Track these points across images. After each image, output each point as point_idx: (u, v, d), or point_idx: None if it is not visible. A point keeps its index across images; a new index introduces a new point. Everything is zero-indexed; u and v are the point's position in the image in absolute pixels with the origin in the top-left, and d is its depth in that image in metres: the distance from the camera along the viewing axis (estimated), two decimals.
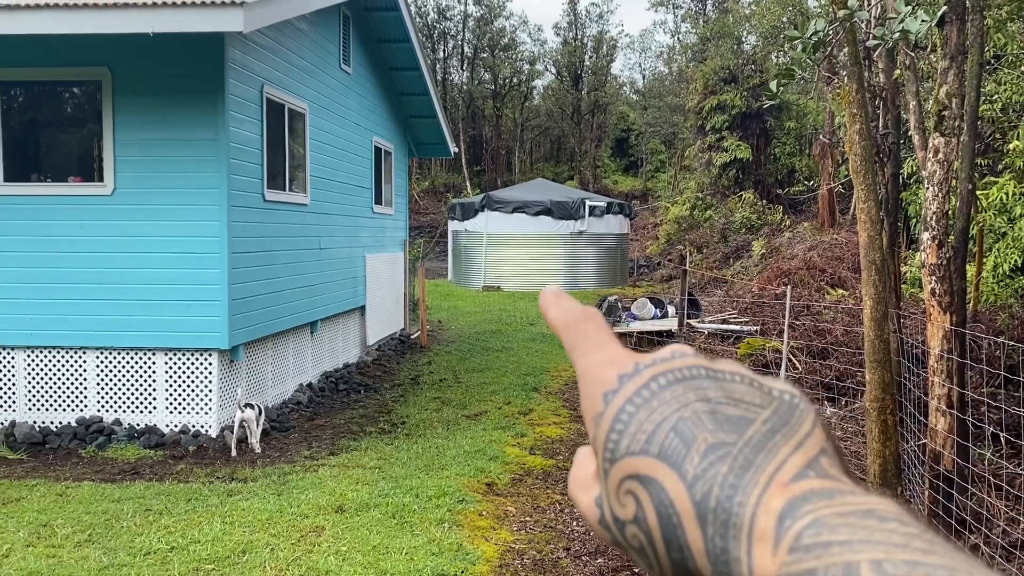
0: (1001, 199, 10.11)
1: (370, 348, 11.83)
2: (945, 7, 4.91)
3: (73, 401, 7.40)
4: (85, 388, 7.39)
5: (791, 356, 9.22)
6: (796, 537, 0.34)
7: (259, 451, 7.08)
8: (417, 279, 14.22)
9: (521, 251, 22.04)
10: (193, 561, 4.71)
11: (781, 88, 4.60)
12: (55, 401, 7.42)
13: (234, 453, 6.99)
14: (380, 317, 12.16)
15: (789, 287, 9.80)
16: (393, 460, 6.77)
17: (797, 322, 10.49)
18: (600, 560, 4.91)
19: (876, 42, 4.21)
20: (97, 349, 7.35)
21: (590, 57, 46.54)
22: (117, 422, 7.34)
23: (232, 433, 7.10)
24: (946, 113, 5.04)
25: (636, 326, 12.97)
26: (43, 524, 5.28)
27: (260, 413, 7.19)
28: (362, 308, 11.41)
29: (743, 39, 31.36)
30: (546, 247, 22.16)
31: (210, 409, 7.32)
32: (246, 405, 7.11)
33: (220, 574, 4.57)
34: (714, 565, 0.36)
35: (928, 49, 7.53)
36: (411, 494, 5.82)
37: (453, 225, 23.96)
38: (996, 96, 10.40)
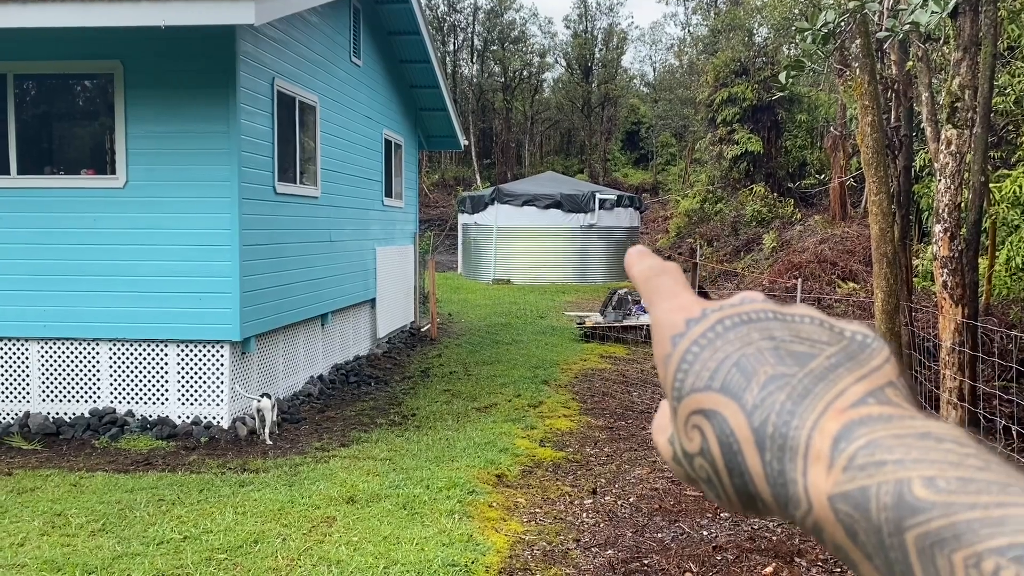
0: (1014, 192, 10.04)
1: (380, 341, 11.86)
2: None
3: (86, 392, 7.46)
4: (98, 379, 7.45)
5: None
6: (851, 457, 0.35)
7: (271, 442, 7.13)
8: (427, 272, 14.25)
9: (531, 244, 22.03)
10: (205, 550, 4.75)
11: (791, 79, 4.59)
12: (69, 392, 7.47)
13: (245, 434, 7.16)
14: (390, 310, 12.19)
15: (800, 280, 9.76)
16: (403, 452, 6.80)
17: None
18: (610, 551, 4.93)
19: (886, 34, 4.19)
20: (110, 341, 7.40)
21: (600, 50, 46.40)
22: (130, 413, 7.39)
23: (252, 421, 7.27)
24: (959, 105, 5.02)
25: (646, 319, 12.97)
26: (58, 513, 5.33)
27: (274, 405, 7.27)
28: (372, 301, 11.44)
29: (754, 31, 31.20)
30: (556, 240, 22.14)
31: (222, 401, 7.37)
32: (262, 395, 7.19)
33: (232, 563, 4.61)
34: (773, 487, 0.38)
35: (941, 40, 7.48)
36: (421, 485, 5.85)
37: (463, 218, 23.97)
38: (1009, 88, 10.32)
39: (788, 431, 0.37)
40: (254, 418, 7.24)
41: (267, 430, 7.16)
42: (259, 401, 7.15)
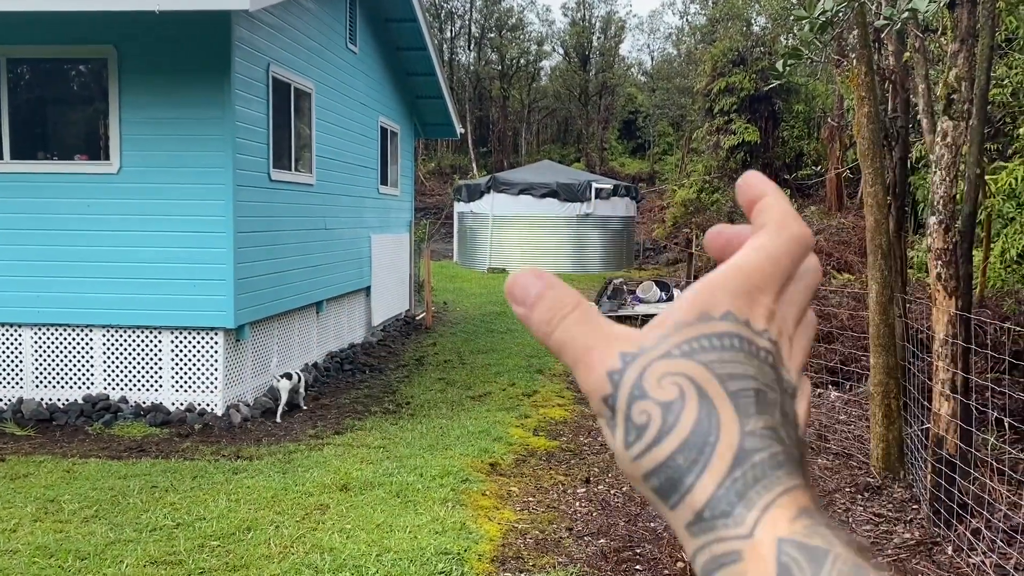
0: (1010, 184, 10.05)
1: (375, 329, 11.85)
2: None
3: (80, 378, 7.45)
4: (92, 366, 7.43)
5: None
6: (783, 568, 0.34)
7: (280, 421, 7.47)
8: (422, 260, 14.22)
9: (527, 233, 22.00)
10: (199, 537, 4.75)
11: (788, 68, 4.58)
12: (62, 378, 7.46)
13: (239, 421, 7.32)
14: (385, 298, 12.18)
15: None
16: (398, 440, 6.80)
17: None
18: (602, 540, 4.94)
19: (884, 23, 4.18)
20: (103, 327, 7.38)
21: (598, 38, 46.22)
22: (123, 400, 7.39)
23: (280, 399, 7.56)
24: (955, 96, 5.01)
25: (641, 309, 12.97)
26: (50, 499, 5.33)
27: (300, 381, 7.69)
28: (367, 289, 11.43)
29: (752, 20, 31.12)
30: (552, 229, 22.11)
31: (215, 388, 7.36)
32: (283, 375, 7.57)
33: (225, 550, 4.61)
34: (719, 489, 0.35)
35: (939, 32, 7.47)
36: (415, 473, 5.85)
37: (459, 207, 23.92)
38: (1007, 80, 10.30)
39: (769, 478, 0.35)
40: (282, 394, 7.59)
41: (280, 410, 7.53)
42: (277, 381, 7.54)
